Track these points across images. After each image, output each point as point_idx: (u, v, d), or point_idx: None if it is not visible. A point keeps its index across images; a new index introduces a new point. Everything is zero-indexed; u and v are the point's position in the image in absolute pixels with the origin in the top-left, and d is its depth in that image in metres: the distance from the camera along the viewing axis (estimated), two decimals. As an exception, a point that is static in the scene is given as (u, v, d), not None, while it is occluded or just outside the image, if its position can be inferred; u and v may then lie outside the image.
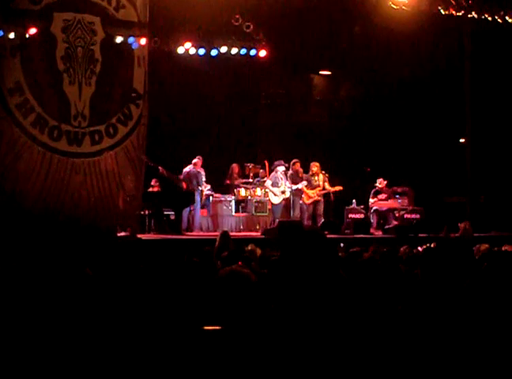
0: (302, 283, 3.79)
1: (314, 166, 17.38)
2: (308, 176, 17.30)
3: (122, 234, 14.23)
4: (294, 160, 17.43)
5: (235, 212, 17.91)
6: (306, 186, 17.14)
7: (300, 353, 3.58)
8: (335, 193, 17.42)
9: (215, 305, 4.01)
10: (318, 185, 17.26)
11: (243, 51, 16.77)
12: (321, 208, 17.34)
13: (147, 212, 16.20)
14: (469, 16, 17.34)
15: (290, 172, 17.32)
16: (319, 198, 17.28)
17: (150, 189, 16.84)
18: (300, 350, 3.59)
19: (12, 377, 3.79)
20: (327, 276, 3.84)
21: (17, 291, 4.66)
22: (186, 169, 16.95)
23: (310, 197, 17.18)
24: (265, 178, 17.76)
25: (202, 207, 17.43)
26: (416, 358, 3.84)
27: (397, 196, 18.45)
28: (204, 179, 17.35)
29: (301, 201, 17.27)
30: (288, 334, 3.64)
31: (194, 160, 17.00)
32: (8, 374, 3.79)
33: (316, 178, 17.30)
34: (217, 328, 3.82)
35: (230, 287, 4.01)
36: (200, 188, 16.94)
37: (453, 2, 17.01)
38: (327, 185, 17.33)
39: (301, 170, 17.33)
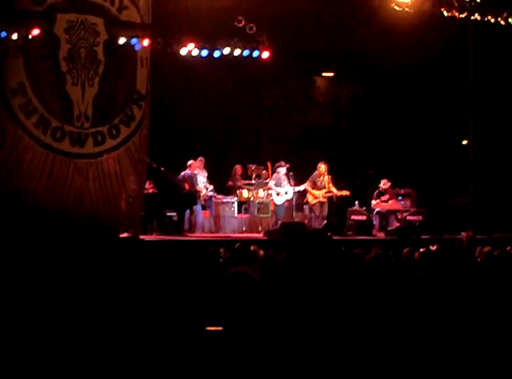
0: (306, 283, 3.79)
1: (322, 167, 17.30)
2: (314, 176, 17.24)
3: (125, 235, 14.21)
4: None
5: (238, 214, 17.91)
6: (311, 186, 17.10)
7: (302, 353, 3.58)
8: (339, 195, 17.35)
9: (219, 306, 4.01)
10: (324, 187, 17.17)
11: (246, 53, 16.72)
12: (325, 209, 17.28)
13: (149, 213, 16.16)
14: (472, 18, 17.31)
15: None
16: (324, 200, 17.20)
17: (145, 192, 16.67)
18: (302, 350, 3.59)
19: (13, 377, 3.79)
20: (331, 277, 3.84)
21: (19, 291, 4.66)
22: (183, 172, 16.95)
23: (315, 198, 17.12)
24: (267, 180, 17.76)
25: (204, 208, 17.42)
26: (418, 355, 3.84)
27: (400, 197, 18.43)
28: (206, 180, 17.34)
29: (305, 201, 17.26)
30: (291, 335, 3.64)
31: (189, 162, 17.00)
32: (9, 374, 3.79)
33: (321, 178, 17.21)
34: (219, 328, 3.82)
35: (235, 287, 4.01)
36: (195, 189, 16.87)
37: (456, 4, 16.99)
38: (332, 188, 17.22)
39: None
